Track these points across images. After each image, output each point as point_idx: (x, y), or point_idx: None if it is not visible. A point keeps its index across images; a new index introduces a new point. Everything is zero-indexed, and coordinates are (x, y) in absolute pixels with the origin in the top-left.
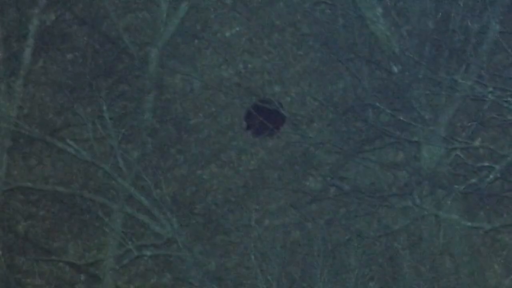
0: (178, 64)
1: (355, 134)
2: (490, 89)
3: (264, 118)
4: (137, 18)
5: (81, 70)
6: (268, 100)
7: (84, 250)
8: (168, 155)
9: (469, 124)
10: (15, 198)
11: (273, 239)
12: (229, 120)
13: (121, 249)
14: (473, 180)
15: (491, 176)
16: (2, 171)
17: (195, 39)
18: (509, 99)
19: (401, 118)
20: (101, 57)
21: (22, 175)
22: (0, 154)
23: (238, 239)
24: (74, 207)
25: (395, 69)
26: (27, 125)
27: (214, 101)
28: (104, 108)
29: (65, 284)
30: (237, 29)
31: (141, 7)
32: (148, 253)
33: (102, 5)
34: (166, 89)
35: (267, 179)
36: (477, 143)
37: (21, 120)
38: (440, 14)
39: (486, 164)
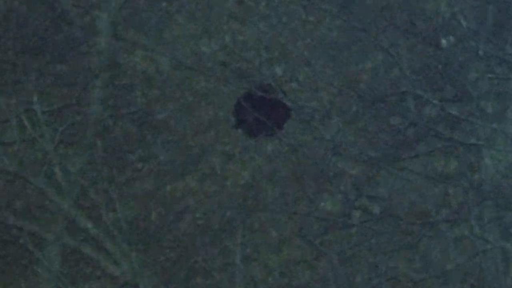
0: (138, 36)
1: (389, 135)
2: None
3: (261, 111)
4: None
5: (1, 46)
6: (267, 87)
7: None
8: (126, 163)
9: None
10: None
11: (274, 281)
12: (212, 114)
13: None
14: None
15: None
16: None
17: (161, 0)
18: None
19: (453, 112)
20: (29, 27)
21: None
22: None
23: (223, 283)
24: None
25: (444, 42)
26: None
27: (190, 88)
28: (35, 98)
29: None
30: None
31: None
32: None
33: None
34: (121, 70)
35: (265, 198)
36: None
37: None
38: None
39: None
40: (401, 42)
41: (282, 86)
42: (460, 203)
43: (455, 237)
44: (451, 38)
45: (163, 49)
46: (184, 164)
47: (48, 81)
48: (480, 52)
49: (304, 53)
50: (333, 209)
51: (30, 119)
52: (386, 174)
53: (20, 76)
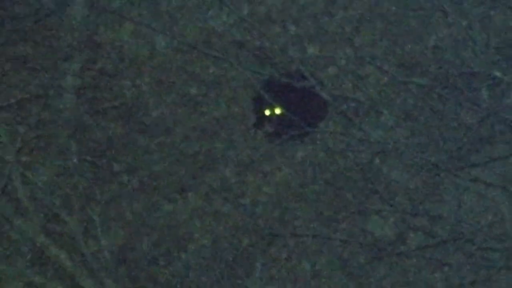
0: (125, 6)
1: (456, 133)
2: None
3: (288, 106)
4: None
5: None
6: (296, 73)
7: None
8: (109, 175)
9: None
10: None
11: None
12: (223, 111)
13: None
14: None
15: None
16: None
17: None
18: None
19: None
20: None
21: None
22: None
23: None
24: None
25: None
26: None
27: (194, 75)
28: None
29: None
30: None
31: None
32: None
33: None
34: (103, 52)
35: (294, 220)
36: None
37: None
38: None
39: None
40: (474, 11)
41: (316, 73)
42: None
43: None
44: None
45: (159, 24)
46: (186, 176)
47: (5, 66)
48: None
49: (345, 28)
50: (383, 232)
51: None
52: (452, 186)
53: None
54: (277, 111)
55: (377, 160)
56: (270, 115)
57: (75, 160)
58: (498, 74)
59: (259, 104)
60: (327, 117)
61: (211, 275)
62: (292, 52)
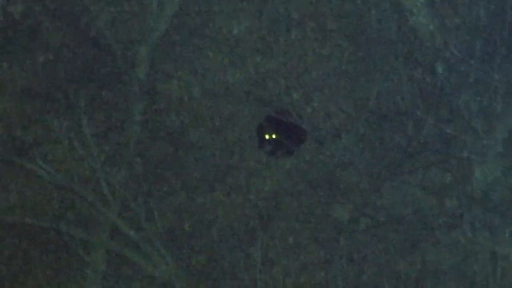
0: (173, 67)
1: (392, 151)
2: None
3: (280, 133)
4: (123, 11)
5: (55, 75)
6: (285, 111)
7: None
8: (162, 179)
9: None
10: None
11: (292, 281)
12: (238, 135)
13: None
14: None
15: None
16: None
17: (194, 36)
18: None
19: (448, 131)
20: (79, 59)
21: None
22: None
23: (248, 283)
24: (48, 243)
25: (440, 70)
26: None
27: (218, 112)
28: (84, 121)
29: None
30: (247, 24)
31: None
32: None
33: None
34: (159, 97)
35: (284, 208)
36: None
37: None
38: (494, 3)
39: None
40: (402, 70)
41: (299, 111)
42: (454, 211)
43: (450, 241)
44: (445, 67)
45: (195, 79)
46: (213, 179)
47: (95, 107)
48: (471, 78)
49: (318, 82)
50: (343, 217)
51: (80, 140)
52: (389, 186)
53: (71, 102)
54: (273, 136)
55: (338, 169)
56: (269, 138)
57: (140, 169)
58: (418, 113)
59: (262, 131)
60: (306, 141)
61: (229, 245)
62: (283, 98)
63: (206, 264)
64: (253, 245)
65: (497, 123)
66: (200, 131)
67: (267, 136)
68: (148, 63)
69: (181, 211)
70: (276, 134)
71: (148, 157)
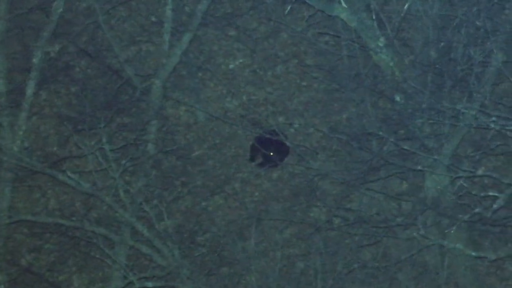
0: (181, 96)
1: (359, 165)
2: (494, 118)
3: (269, 149)
4: (140, 50)
5: (84, 102)
6: (272, 132)
7: (89, 283)
8: (172, 186)
9: (473, 153)
10: (19, 231)
11: (278, 271)
12: (233, 151)
13: (124, 281)
14: (478, 210)
15: (495, 206)
16: (6, 204)
17: (198, 70)
18: None
19: (405, 148)
20: (104, 89)
21: (26, 208)
22: (3, 187)
23: (241, 271)
24: (77, 239)
25: (398, 98)
26: (29, 157)
27: (218, 132)
28: (104, 139)
29: None
30: (241, 60)
31: (144, 39)
32: (151, 285)
33: (105, 37)
34: (169, 120)
35: (272, 211)
36: (480, 172)
37: (23, 153)
38: (443, 43)
39: (490, 193)
40: (368, 98)
41: (283, 131)
42: (410, 213)
43: (406, 237)
44: (403, 96)
45: (199, 106)
46: (214, 187)
47: (115, 128)
48: (423, 105)
49: (299, 108)
50: (320, 217)
51: (102, 155)
52: (357, 193)
53: (95, 124)
54: (263, 151)
55: (316, 179)
56: (259, 154)
57: (152, 179)
58: (381, 133)
59: (253, 148)
60: (289, 156)
61: (227, 240)
62: (270, 121)
63: (207, 255)
64: (246, 240)
65: (445, 142)
66: (203, 148)
67: (257, 152)
68: (161, 93)
69: (187, 213)
70: (265, 150)
71: (160, 169)
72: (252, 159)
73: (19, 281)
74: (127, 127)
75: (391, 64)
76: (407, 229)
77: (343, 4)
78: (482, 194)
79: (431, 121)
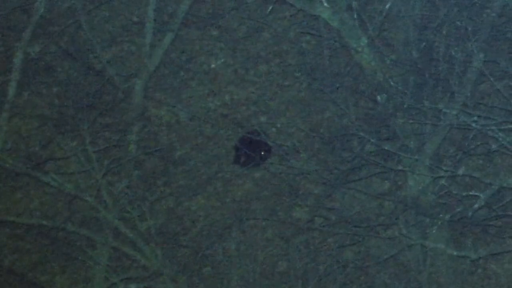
0: (163, 96)
1: (341, 164)
2: (475, 118)
3: (251, 149)
4: (122, 50)
5: (66, 103)
6: (255, 132)
7: (71, 284)
8: (154, 187)
9: (454, 153)
10: (1, 232)
11: (260, 270)
12: (216, 151)
13: (107, 283)
14: (459, 209)
15: (476, 205)
16: None
17: (180, 70)
18: (493, 128)
19: (386, 148)
20: (86, 90)
21: (8, 209)
22: None
23: (224, 271)
24: (60, 240)
25: (379, 98)
26: (11, 158)
27: (200, 132)
28: (87, 141)
29: None
30: (223, 60)
31: (126, 39)
32: (134, 286)
33: (87, 38)
34: (151, 120)
35: (254, 210)
36: (462, 171)
37: (5, 154)
38: (424, 43)
39: (472, 193)
40: (349, 99)
41: (265, 131)
42: (391, 212)
43: (388, 236)
44: (384, 96)
45: (181, 105)
46: (196, 187)
47: (97, 129)
48: (405, 105)
49: (281, 107)
50: (302, 217)
51: (85, 156)
52: (339, 192)
53: (77, 125)
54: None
55: (298, 178)
56: (243, 154)
57: (135, 179)
58: (362, 134)
59: (236, 148)
60: (271, 155)
61: (209, 240)
62: (252, 121)
63: (190, 255)
64: (229, 240)
65: (426, 141)
66: (185, 148)
67: (240, 152)
68: (143, 93)
69: (169, 213)
70: (247, 150)
71: (142, 170)
72: (234, 159)
73: (1, 281)
74: (109, 128)
75: (373, 63)
76: (389, 228)
77: (325, 4)
78: (463, 194)
79: (412, 121)
